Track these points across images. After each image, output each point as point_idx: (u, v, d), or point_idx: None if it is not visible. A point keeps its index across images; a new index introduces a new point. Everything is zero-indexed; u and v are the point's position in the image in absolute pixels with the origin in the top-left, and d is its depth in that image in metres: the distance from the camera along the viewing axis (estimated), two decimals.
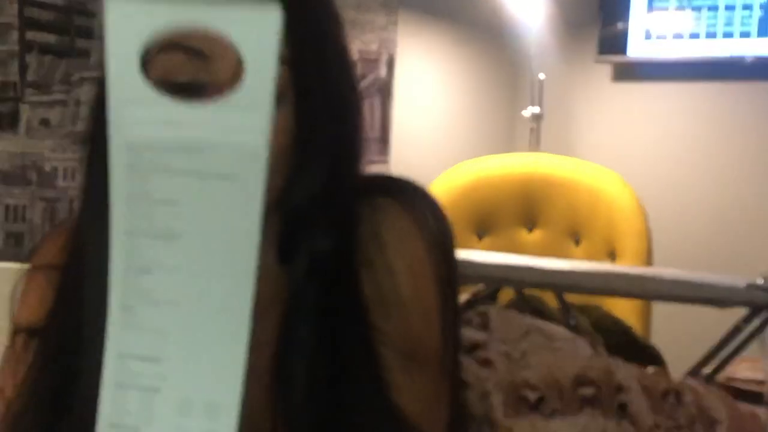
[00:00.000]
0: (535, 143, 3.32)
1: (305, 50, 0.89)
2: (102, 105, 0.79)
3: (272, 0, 0.67)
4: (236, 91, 0.67)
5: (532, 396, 1.28)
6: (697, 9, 3.13)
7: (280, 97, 0.83)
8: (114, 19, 0.66)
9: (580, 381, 1.33)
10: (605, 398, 1.34)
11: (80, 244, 0.91)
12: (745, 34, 3.06)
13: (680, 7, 3.16)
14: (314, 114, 0.90)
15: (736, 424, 1.53)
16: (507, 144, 3.49)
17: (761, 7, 3.02)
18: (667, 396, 1.45)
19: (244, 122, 0.68)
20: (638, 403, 1.39)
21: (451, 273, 0.99)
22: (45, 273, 0.98)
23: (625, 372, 1.40)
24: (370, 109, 3.17)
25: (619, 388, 1.36)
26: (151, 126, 0.68)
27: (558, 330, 1.40)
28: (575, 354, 1.37)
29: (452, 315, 0.99)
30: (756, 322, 2.21)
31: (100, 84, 0.79)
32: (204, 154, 0.68)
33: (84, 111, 2.82)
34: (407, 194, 0.99)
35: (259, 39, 0.67)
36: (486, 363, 1.25)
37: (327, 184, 0.92)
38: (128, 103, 0.68)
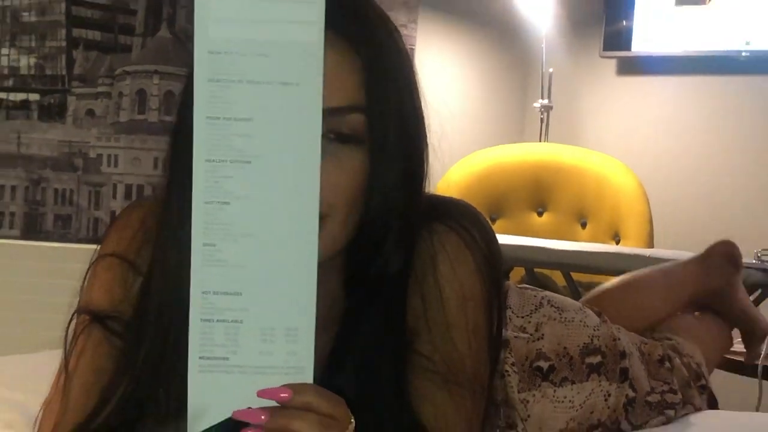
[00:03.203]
0: (544, 133, 3.31)
1: (380, 100, 0.87)
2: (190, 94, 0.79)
3: None
4: None
5: (544, 365, 1.26)
6: (696, 5, 3.13)
7: (356, 141, 0.85)
8: None
9: (588, 350, 1.32)
10: (609, 364, 1.34)
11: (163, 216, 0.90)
12: (741, 31, 3.05)
13: (680, 4, 3.16)
14: (388, 157, 0.88)
15: (708, 356, 1.55)
16: (518, 134, 3.50)
17: (755, 6, 3.03)
18: (663, 362, 1.46)
19: (302, 15, 0.69)
20: (637, 368, 1.39)
21: (498, 297, 0.97)
22: (112, 262, 0.96)
23: (626, 340, 1.39)
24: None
25: (622, 355, 1.36)
26: (229, 24, 0.69)
27: (567, 301, 1.38)
28: (584, 323, 1.34)
29: (496, 338, 0.97)
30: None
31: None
32: (272, 58, 0.69)
33: (126, 102, 2.81)
34: (461, 220, 0.96)
35: None
36: (504, 344, 1.20)
37: (398, 219, 0.90)
38: (208, 3, 0.69)
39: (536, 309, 1.31)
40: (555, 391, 1.27)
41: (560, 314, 1.33)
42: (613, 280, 1.71)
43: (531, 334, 1.28)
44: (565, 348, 1.30)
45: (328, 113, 0.81)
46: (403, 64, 0.91)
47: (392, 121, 0.88)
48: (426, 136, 0.92)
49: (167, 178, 0.89)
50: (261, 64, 0.69)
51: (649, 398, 1.39)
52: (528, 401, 1.24)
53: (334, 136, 0.84)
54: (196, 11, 0.69)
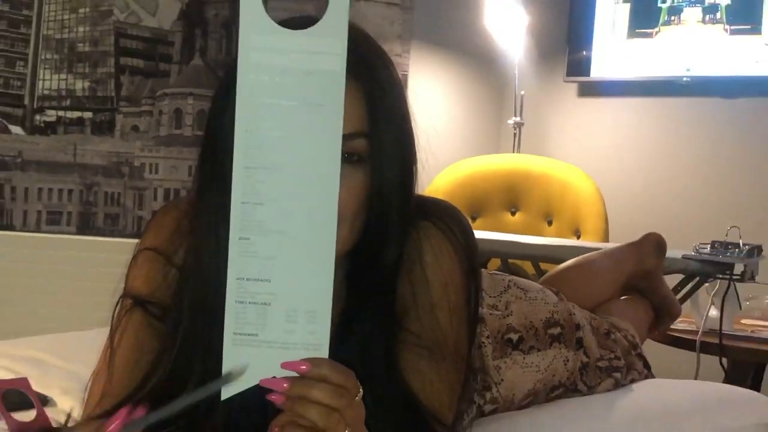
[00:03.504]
0: (517, 146, 3.31)
1: (379, 126, 0.87)
2: (223, 103, 0.79)
3: None
4: (322, 21, 0.69)
5: (514, 337, 1.26)
6: (645, 38, 3.12)
7: (360, 161, 0.85)
8: None
9: (549, 323, 1.32)
10: (567, 335, 1.33)
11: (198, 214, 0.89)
12: (682, 60, 3.05)
13: (631, 37, 3.15)
14: (386, 173, 0.88)
15: (635, 325, 1.56)
16: (495, 146, 3.50)
17: (694, 38, 3.02)
18: (608, 335, 1.46)
19: (328, 48, 0.69)
20: (589, 338, 1.39)
21: (475, 282, 0.97)
22: (150, 255, 0.96)
23: (579, 315, 1.39)
24: None
25: (577, 327, 1.36)
26: (267, 53, 0.69)
27: (530, 283, 1.38)
28: (545, 301, 1.34)
29: (474, 317, 0.97)
30: (688, 287, 2.23)
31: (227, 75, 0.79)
32: (302, 83, 0.69)
33: (165, 119, 2.82)
34: (443, 218, 0.96)
35: None
36: (480, 320, 1.19)
37: (393, 223, 0.90)
38: (251, 31, 0.69)
39: (505, 290, 1.31)
40: (524, 358, 1.27)
41: (525, 294, 1.33)
42: (568, 261, 1.72)
43: (502, 311, 1.27)
44: (530, 322, 1.30)
45: None
46: (398, 95, 0.91)
47: (389, 144, 0.88)
48: (416, 153, 0.92)
49: (198, 183, 0.89)
50: (293, 87, 0.69)
51: (600, 363, 1.39)
52: (501, 367, 1.24)
53: (344, 157, 0.85)
54: (240, 41, 0.69)
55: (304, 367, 0.70)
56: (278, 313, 0.71)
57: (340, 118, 0.70)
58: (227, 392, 0.71)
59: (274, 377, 0.70)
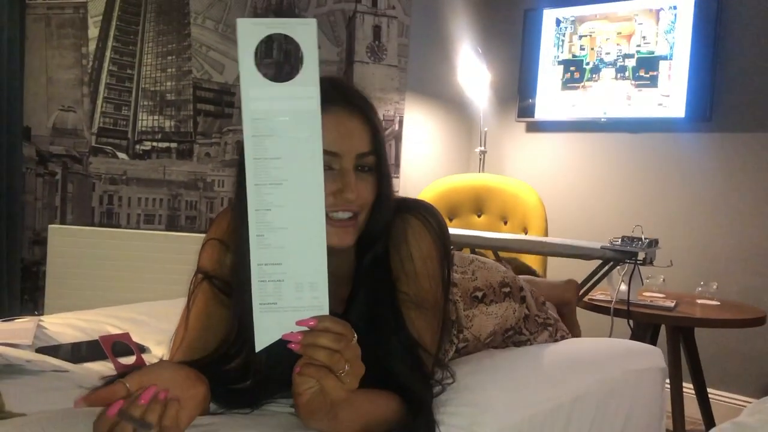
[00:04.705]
0: (481, 167, 3.32)
1: (380, 147, 0.89)
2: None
3: (311, 18, 0.67)
4: (299, 75, 0.67)
5: (479, 294, 1.26)
6: (573, 90, 3.11)
7: (370, 171, 0.87)
8: (241, 33, 0.67)
9: (502, 284, 1.31)
10: (515, 292, 1.33)
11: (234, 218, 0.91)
12: (601, 105, 3.05)
13: (563, 89, 3.14)
14: (384, 178, 0.90)
15: (544, 293, 1.54)
16: (465, 168, 3.50)
17: (609, 90, 3.02)
18: (544, 304, 1.46)
19: (306, 93, 0.67)
20: (530, 299, 1.39)
21: (447, 256, 0.98)
22: (213, 242, 0.98)
23: (524, 284, 1.40)
24: (389, 148, 3.18)
25: (521, 289, 1.36)
26: (262, 101, 0.68)
27: (487, 259, 1.39)
28: (498, 269, 1.35)
29: (447, 280, 0.98)
30: (605, 269, 2.25)
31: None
32: (290, 120, 0.68)
33: (229, 148, 2.82)
34: (421, 210, 0.97)
35: (309, 38, 0.67)
36: (454, 284, 1.22)
37: (387, 213, 0.92)
38: (249, 86, 0.67)
39: (470, 263, 1.32)
40: (487, 308, 1.27)
41: (484, 264, 1.34)
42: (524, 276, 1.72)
43: (470, 276, 1.28)
44: (490, 283, 1.30)
45: (358, 156, 0.86)
46: (381, 128, 0.92)
47: (386, 160, 0.90)
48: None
49: (235, 195, 0.90)
50: (283, 124, 0.68)
51: (537, 318, 1.40)
52: (470, 316, 1.24)
53: (361, 168, 0.88)
54: (242, 94, 0.68)
55: (312, 322, 0.70)
56: (289, 287, 0.70)
57: (319, 144, 0.68)
58: (259, 347, 0.71)
59: (292, 332, 0.70)
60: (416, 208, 0.97)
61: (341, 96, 0.87)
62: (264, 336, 0.71)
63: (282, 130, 0.68)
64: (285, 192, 0.69)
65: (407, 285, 0.92)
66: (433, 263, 0.94)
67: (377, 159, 0.89)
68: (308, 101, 0.68)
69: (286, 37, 0.67)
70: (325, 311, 0.71)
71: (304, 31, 0.66)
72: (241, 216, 0.82)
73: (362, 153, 0.87)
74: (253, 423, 0.84)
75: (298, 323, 0.70)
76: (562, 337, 1.46)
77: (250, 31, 0.67)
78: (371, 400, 0.81)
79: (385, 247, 0.92)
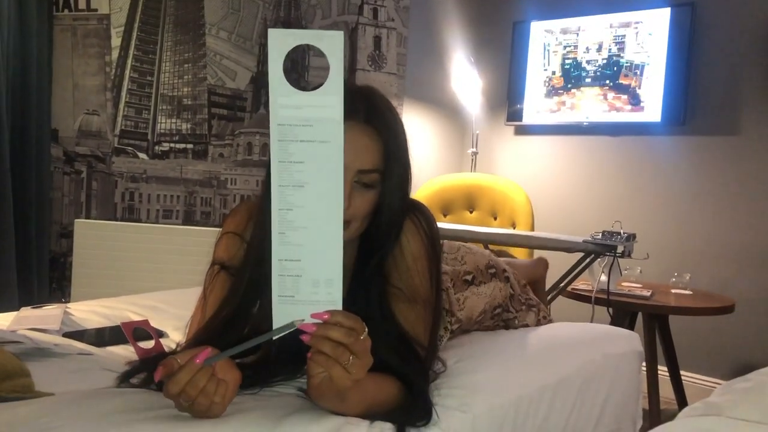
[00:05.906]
0: (473, 167, 3.32)
1: (390, 164, 0.86)
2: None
3: (339, 31, 0.66)
4: (324, 85, 0.66)
5: (468, 277, 1.25)
6: (558, 96, 3.11)
7: (370, 187, 0.85)
8: (272, 43, 0.65)
9: (489, 266, 1.32)
10: (500, 273, 1.33)
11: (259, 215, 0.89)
12: (583, 111, 3.04)
13: (547, 96, 3.14)
14: (388, 197, 0.88)
15: (520, 272, 1.53)
16: (459, 168, 3.49)
17: (591, 97, 3.02)
18: (525, 286, 1.46)
19: (330, 102, 0.66)
20: (513, 278, 1.39)
21: (437, 254, 0.96)
22: (230, 236, 0.96)
23: (507, 266, 1.40)
24: None
25: (505, 271, 1.36)
26: (289, 109, 0.66)
27: (473, 246, 1.37)
28: (483, 254, 1.35)
29: (437, 276, 0.96)
30: (587, 261, 2.25)
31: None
32: (314, 127, 0.66)
33: (240, 149, 2.81)
34: (415, 213, 0.95)
35: (335, 49, 0.65)
36: (444, 274, 1.20)
37: (390, 225, 0.90)
38: (278, 94, 0.66)
39: (458, 250, 1.31)
40: (477, 288, 1.27)
41: (471, 250, 1.33)
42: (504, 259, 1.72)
43: (459, 261, 1.28)
44: (477, 266, 1.29)
45: (359, 172, 0.84)
46: (404, 141, 0.89)
47: (395, 177, 0.87)
48: (411, 177, 0.91)
49: (262, 194, 0.89)
50: (308, 130, 0.67)
51: (520, 298, 1.40)
52: (460, 299, 1.23)
53: (360, 184, 0.85)
54: (270, 102, 0.67)
55: (326, 315, 0.69)
56: (307, 282, 0.69)
57: (341, 149, 0.67)
58: (278, 333, 0.71)
59: (306, 323, 0.70)
60: (409, 209, 0.96)
61: (360, 110, 0.85)
62: (281, 325, 0.70)
63: (306, 136, 0.67)
64: (306, 194, 0.68)
65: (399, 281, 0.91)
66: (423, 261, 0.93)
67: (384, 177, 0.86)
68: (332, 110, 0.66)
69: (309, 46, 0.66)
70: (339, 306, 0.70)
71: (330, 43, 0.65)
72: (266, 214, 0.81)
73: (364, 170, 0.85)
74: (259, 405, 0.84)
75: (313, 316, 0.69)
76: (544, 317, 1.46)
77: (281, 41, 0.65)
78: (377, 384, 0.80)
79: (386, 247, 0.91)
